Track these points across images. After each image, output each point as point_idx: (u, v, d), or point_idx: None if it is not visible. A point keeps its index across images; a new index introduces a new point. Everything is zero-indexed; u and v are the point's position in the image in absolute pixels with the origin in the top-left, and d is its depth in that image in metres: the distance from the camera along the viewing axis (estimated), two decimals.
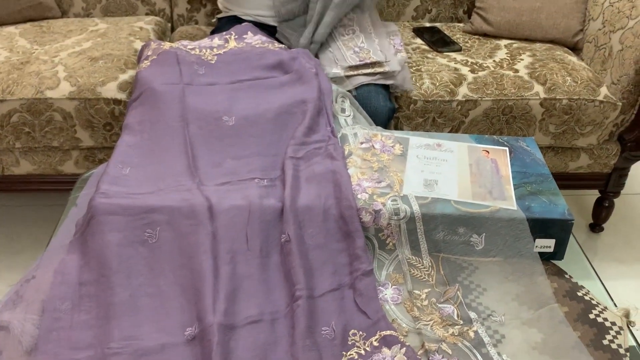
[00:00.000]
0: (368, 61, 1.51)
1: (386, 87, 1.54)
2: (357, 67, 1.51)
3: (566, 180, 1.69)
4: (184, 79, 1.33)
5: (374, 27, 1.62)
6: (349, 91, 1.45)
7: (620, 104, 1.57)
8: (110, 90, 1.49)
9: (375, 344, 0.91)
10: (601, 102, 1.56)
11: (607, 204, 1.81)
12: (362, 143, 1.24)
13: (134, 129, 1.24)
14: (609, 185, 1.75)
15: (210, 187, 1.10)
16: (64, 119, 1.49)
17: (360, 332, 0.93)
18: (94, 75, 1.50)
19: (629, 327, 0.98)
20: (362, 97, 1.47)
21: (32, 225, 1.82)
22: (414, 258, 1.06)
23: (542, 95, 1.55)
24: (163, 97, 1.27)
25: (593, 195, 1.85)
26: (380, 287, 1.01)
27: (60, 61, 1.54)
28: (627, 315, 0.99)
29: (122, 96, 1.49)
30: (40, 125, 1.49)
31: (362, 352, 0.90)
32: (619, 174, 1.73)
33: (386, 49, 1.58)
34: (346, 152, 1.21)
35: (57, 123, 1.49)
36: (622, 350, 0.94)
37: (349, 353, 0.89)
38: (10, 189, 1.65)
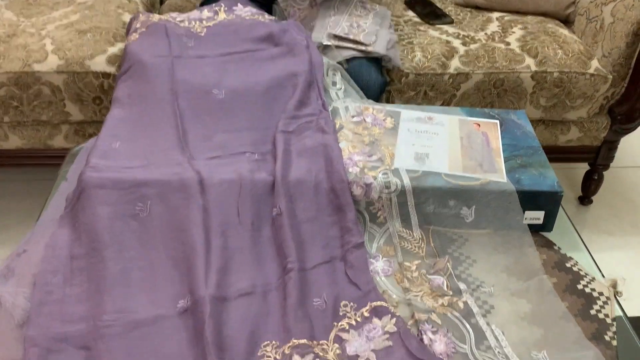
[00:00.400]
0: (351, 37, 1.50)
1: (378, 61, 1.53)
2: (341, 38, 1.49)
3: (556, 154, 1.70)
4: (173, 52, 1.32)
5: (383, 21, 1.60)
6: (340, 64, 1.44)
7: (611, 77, 1.58)
8: (99, 64, 1.47)
9: (366, 314, 0.92)
10: (592, 75, 1.56)
11: (596, 177, 1.82)
12: (353, 116, 1.24)
13: (123, 103, 1.23)
14: (598, 158, 1.77)
15: (200, 161, 1.10)
16: (52, 92, 1.47)
17: (351, 303, 0.93)
18: (82, 48, 1.48)
19: (616, 298, 0.99)
20: (354, 70, 1.46)
21: (22, 200, 1.82)
22: (404, 231, 1.07)
23: (533, 68, 1.55)
24: (152, 70, 1.26)
25: (582, 168, 1.86)
26: (371, 260, 1.02)
27: (47, 34, 1.52)
28: (614, 285, 1.00)
29: (111, 69, 1.48)
30: (28, 99, 1.48)
31: (353, 322, 0.91)
32: (609, 147, 1.74)
33: (381, 37, 1.55)
34: (337, 126, 1.21)
35: (45, 97, 1.48)
36: (609, 320, 0.95)
37: (340, 323, 0.90)
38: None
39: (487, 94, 1.57)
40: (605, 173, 1.82)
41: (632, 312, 1.03)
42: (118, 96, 1.24)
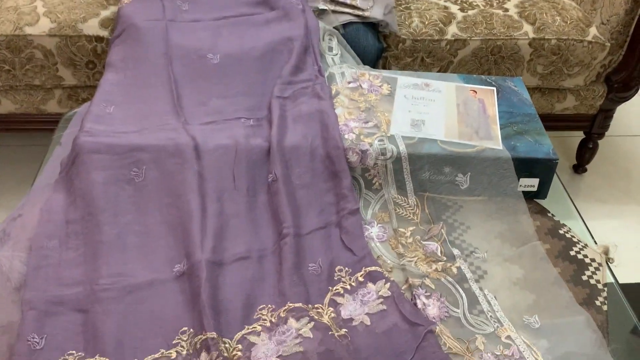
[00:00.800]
0: (348, 1, 1.47)
1: (375, 26, 1.52)
2: (337, 2, 1.47)
3: (552, 122, 1.69)
4: (167, 15, 1.30)
5: None
6: (336, 29, 1.42)
7: (609, 44, 1.56)
8: (92, 27, 1.45)
9: (361, 279, 0.92)
10: (590, 42, 1.54)
11: (591, 146, 1.82)
12: (349, 82, 1.23)
13: (117, 67, 1.22)
14: (594, 127, 1.76)
15: (195, 126, 1.10)
16: (44, 56, 1.46)
17: (346, 268, 0.94)
18: (75, 11, 1.46)
19: (607, 264, 1.00)
20: (351, 36, 1.44)
21: (16, 165, 1.81)
22: (399, 197, 1.07)
23: (531, 35, 1.53)
24: (146, 33, 1.24)
25: (578, 136, 1.86)
26: (366, 226, 1.02)
27: None
28: (606, 252, 1.01)
29: (104, 33, 1.46)
30: (20, 63, 1.46)
31: (348, 287, 0.92)
32: (604, 116, 1.74)
33: (378, 1, 1.52)
34: (333, 92, 1.20)
35: (38, 61, 1.46)
36: (600, 286, 0.97)
37: (335, 288, 0.91)
38: None
39: (485, 60, 1.56)
40: (600, 142, 1.83)
41: (623, 279, 1.04)
42: (111, 60, 1.23)
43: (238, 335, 0.83)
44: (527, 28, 1.54)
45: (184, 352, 0.81)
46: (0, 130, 1.66)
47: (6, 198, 1.68)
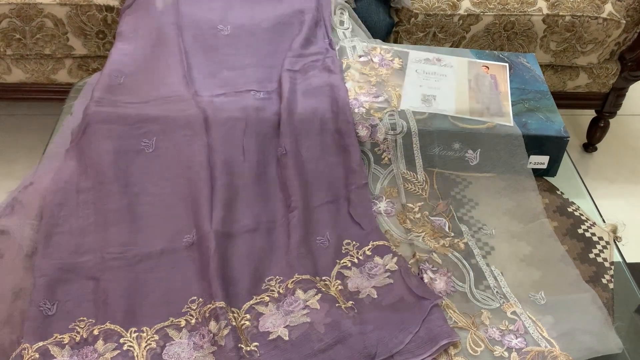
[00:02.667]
0: None
1: (386, 1, 1.50)
2: None
3: (564, 100, 1.68)
4: None
5: None
6: (348, 3, 1.41)
7: (624, 22, 1.54)
8: None
9: (368, 253, 0.93)
10: (605, 19, 1.52)
11: (602, 124, 1.81)
12: (360, 56, 1.22)
13: (127, 37, 1.21)
14: (605, 106, 1.75)
15: (205, 97, 1.10)
16: (55, 25, 1.45)
17: (354, 242, 0.95)
18: None
19: (615, 243, 1.00)
20: (362, 10, 1.43)
21: (26, 134, 1.82)
22: (408, 173, 1.07)
23: (545, 11, 1.51)
24: (156, 3, 1.24)
25: (589, 115, 1.85)
26: (374, 200, 1.03)
27: None
28: (614, 230, 1.01)
29: (114, 3, 1.45)
30: (31, 32, 1.46)
31: (355, 260, 0.92)
32: (617, 94, 1.72)
33: None
34: (344, 66, 1.19)
35: (48, 30, 1.46)
36: (607, 264, 0.97)
37: (342, 261, 0.92)
38: (3, 97, 1.64)
39: (497, 36, 1.54)
40: (610, 120, 1.81)
41: (630, 258, 1.05)
42: (122, 30, 1.23)
43: (246, 305, 0.84)
44: (542, 4, 1.52)
45: (193, 321, 0.83)
46: (11, 100, 1.66)
47: (17, 167, 1.69)
